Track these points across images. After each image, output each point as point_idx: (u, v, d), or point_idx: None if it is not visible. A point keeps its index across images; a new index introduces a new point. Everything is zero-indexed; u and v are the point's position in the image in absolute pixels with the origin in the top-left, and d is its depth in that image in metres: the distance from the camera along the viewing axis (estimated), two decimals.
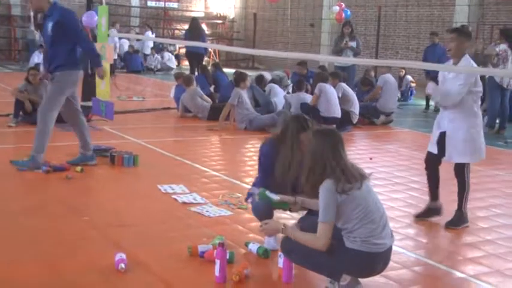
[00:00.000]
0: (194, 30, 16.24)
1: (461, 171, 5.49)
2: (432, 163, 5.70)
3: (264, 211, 4.55)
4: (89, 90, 9.96)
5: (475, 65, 5.62)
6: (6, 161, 7.11)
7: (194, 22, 16.78)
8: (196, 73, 15.29)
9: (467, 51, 5.47)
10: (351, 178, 3.75)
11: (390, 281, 4.20)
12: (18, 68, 20.58)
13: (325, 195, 3.72)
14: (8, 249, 4.53)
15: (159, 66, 23.43)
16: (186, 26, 28.29)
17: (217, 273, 4.02)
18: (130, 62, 22.26)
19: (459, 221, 5.48)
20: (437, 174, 5.70)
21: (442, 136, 5.52)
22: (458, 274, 4.46)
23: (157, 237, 4.89)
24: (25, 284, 3.94)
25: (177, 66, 24.64)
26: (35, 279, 4.01)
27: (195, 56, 16.10)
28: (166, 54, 24.17)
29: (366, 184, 3.84)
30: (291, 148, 4.56)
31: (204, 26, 29.43)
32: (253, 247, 4.60)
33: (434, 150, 5.62)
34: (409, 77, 16.27)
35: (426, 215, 5.68)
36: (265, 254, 4.50)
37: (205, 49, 18.28)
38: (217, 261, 4.01)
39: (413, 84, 16.33)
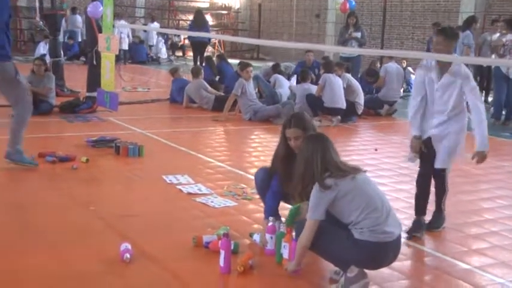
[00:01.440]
0: (198, 21, 16.96)
1: (442, 175, 5.05)
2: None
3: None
4: (94, 81, 9.95)
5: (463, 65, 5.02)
6: None
7: (198, 13, 17.63)
8: (198, 62, 16.07)
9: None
10: (340, 173, 3.81)
11: (395, 272, 4.20)
12: (23, 59, 20.57)
13: (313, 195, 3.82)
14: (15, 240, 4.54)
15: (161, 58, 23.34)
16: (191, 17, 28.38)
17: (222, 263, 4.02)
18: (136, 53, 22.24)
19: (440, 221, 5.17)
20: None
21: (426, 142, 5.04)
22: (464, 265, 4.46)
23: (162, 228, 4.90)
24: (32, 273, 3.96)
25: (177, 57, 24.52)
26: (42, 269, 4.03)
27: (198, 45, 17.01)
28: (159, 43, 24.01)
29: (362, 175, 3.90)
30: (279, 143, 4.57)
31: (208, 17, 29.58)
32: (258, 237, 4.60)
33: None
34: (409, 69, 16.18)
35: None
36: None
37: (209, 38, 19.66)
38: (222, 252, 4.02)
39: (413, 76, 16.22)
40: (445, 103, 4.91)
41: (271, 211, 4.63)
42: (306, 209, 4.07)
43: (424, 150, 5.01)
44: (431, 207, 5.16)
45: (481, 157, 4.82)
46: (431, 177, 5.10)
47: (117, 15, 21.86)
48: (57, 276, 3.94)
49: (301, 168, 3.90)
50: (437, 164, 4.97)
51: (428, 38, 16.38)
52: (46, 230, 4.78)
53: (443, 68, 4.89)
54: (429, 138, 5.00)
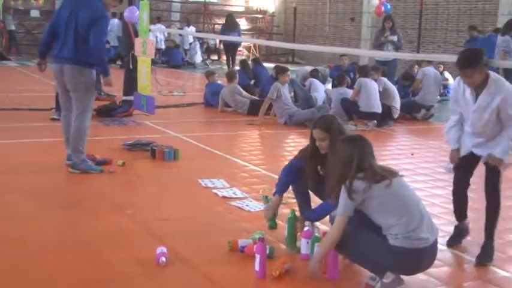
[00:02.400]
0: (229, 24, 18.53)
1: (495, 182, 4.54)
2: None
3: None
4: (130, 85, 10.05)
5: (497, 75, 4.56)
6: (48, 155, 7.24)
7: (229, 17, 19.32)
8: (231, 63, 17.85)
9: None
10: (374, 177, 3.78)
11: (432, 278, 4.14)
12: None
13: (342, 194, 3.83)
14: (52, 241, 4.61)
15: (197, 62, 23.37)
16: None
17: (257, 268, 4.02)
18: (171, 57, 22.39)
19: (492, 252, 4.57)
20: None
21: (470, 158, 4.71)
22: (502, 273, 4.38)
23: (198, 232, 4.92)
24: (68, 274, 4.01)
25: (212, 60, 24.61)
26: (78, 270, 4.08)
27: (230, 47, 19.10)
28: (196, 46, 24.00)
29: (398, 180, 3.86)
30: (309, 142, 4.60)
31: (243, 21, 29.70)
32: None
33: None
34: (446, 73, 15.95)
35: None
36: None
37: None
38: (257, 256, 4.01)
39: (448, 82, 15.92)
40: (484, 126, 4.51)
41: (283, 186, 4.71)
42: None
43: (463, 163, 4.75)
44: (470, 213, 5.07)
45: (496, 162, 4.46)
46: (467, 186, 4.80)
47: (157, 20, 22.18)
48: (94, 279, 3.98)
49: (338, 170, 3.88)
50: (497, 153, 4.47)
51: (465, 41, 16.17)
52: (82, 232, 4.83)
53: (478, 88, 4.46)
54: (471, 153, 4.69)
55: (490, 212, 4.57)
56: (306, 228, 4.44)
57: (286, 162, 4.91)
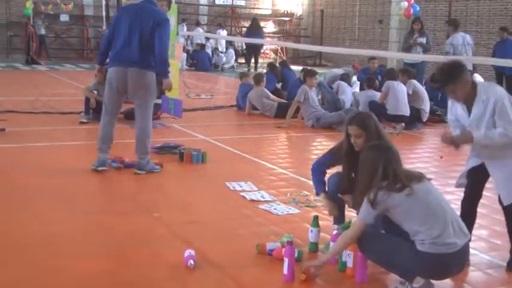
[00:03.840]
0: (253, 28, 20.91)
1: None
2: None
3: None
4: (158, 88, 10.08)
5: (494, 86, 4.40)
6: (77, 158, 7.30)
7: (254, 20, 21.91)
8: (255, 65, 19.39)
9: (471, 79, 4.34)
10: (396, 186, 3.75)
11: (463, 283, 4.10)
12: (90, 66, 21.10)
13: (364, 202, 3.81)
14: (79, 243, 4.65)
15: (226, 66, 23.40)
16: None
17: (285, 271, 4.01)
18: (198, 60, 22.43)
19: None
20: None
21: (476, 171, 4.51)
22: None
23: (226, 235, 4.92)
24: (96, 277, 4.04)
25: (239, 63, 24.67)
26: (106, 273, 4.11)
27: (252, 49, 21.90)
28: (230, 51, 24.09)
29: (423, 185, 3.81)
30: (344, 138, 4.59)
31: (270, 24, 29.71)
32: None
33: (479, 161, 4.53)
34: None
35: None
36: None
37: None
38: (286, 260, 4.00)
39: None
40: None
41: (319, 184, 4.74)
42: None
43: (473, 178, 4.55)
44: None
45: (465, 136, 4.32)
46: (476, 203, 4.61)
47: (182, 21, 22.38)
48: (124, 282, 4.01)
49: (364, 181, 3.86)
50: (505, 201, 4.37)
51: (495, 42, 15.96)
52: (112, 235, 4.87)
53: (468, 100, 4.28)
54: (481, 165, 4.47)
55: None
56: (334, 232, 4.42)
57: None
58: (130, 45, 6.52)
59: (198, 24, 24.66)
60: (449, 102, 4.51)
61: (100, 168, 6.68)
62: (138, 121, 6.72)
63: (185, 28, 23.89)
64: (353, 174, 4.53)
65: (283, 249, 4.11)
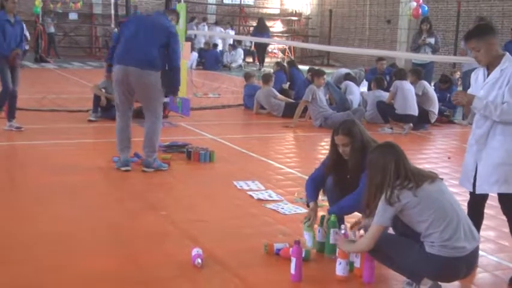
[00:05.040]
0: (259, 27, 21.69)
1: (508, 205, 4.26)
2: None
3: None
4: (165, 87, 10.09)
5: None
6: (86, 156, 7.32)
7: (260, 20, 22.92)
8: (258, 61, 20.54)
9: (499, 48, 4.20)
10: (410, 184, 3.72)
11: (471, 284, 4.09)
12: (98, 64, 21.15)
13: (381, 203, 3.77)
14: (88, 242, 4.66)
15: (233, 65, 23.40)
16: None
17: (293, 271, 4.01)
18: (206, 59, 22.43)
19: None
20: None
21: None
22: None
23: (233, 234, 4.92)
24: (107, 275, 4.05)
25: (247, 63, 24.67)
26: (114, 270, 4.12)
27: (258, 48, 23.25)
28: (239, 50, 24.09)
29: (436, 186, 3.77)
30: (330, 149, 4.69)
31: (279, 23, 29.71)
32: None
33: (470, 187, 4.37)
34: None
35: None
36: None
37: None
38: (293, 259, 4.00)
39: None
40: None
41: (311, 195, 4.72)
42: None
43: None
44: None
45: (468, 98, 4.17)
46: (483, 204, 4.46)
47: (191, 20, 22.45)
48: (132, 280, 4.01)
49: (377, 180, 3.81)
50: (478, 189, 4.26)
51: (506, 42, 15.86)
52: (120, 233, 4.89)
53: (491, 65, 4.19)
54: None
55: None
56: (342, 231, 4.41)
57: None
58: (137, 46, 6.54)
59: (217, 23, 24.69)
60: (473, 76, 4.40)
61: (123, 168, 6.73)
62: (151, 121, 6.76)
63: (206, 28, 23.98)
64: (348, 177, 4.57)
65: (291, 249, 4.11)
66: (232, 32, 24.71)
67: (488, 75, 4.22)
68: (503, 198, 4.24)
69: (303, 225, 4.61)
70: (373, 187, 3.83)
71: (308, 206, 4.72)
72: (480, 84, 4.26)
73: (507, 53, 4.22)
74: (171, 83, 6.78)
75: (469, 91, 4.40)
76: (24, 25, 8.96)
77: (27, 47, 9.46)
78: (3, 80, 8.50)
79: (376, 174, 3.82)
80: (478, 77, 4.33)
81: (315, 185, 4.75)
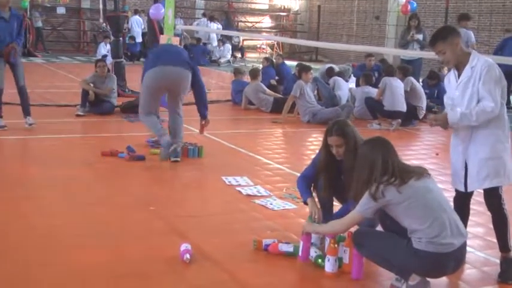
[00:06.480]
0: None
1: (494, 200, 4.26)
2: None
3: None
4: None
5: (489, 58, 4.29)
6: (75, 150, 7.29)
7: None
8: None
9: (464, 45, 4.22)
10: (397, 181, 3.73)
11: (459, 281, 4.11)
12: (86, 59, 21.06)
13: (365, 196, 3.79)
14: (76, 236, 4.64)
15: (222, 61, 23.34)
16: (251, 19, 28.59)
17: (300, 253, 4.22)
18: (194, 54, 22.36)
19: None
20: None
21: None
22: None
23: (222, 229, 4.92)
24: (95, 269, 4.04)
25: (236, 58, 24.63)
26: (102, 265, 4.11)
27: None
28: (227, 46, 24.03)
29: (423, 182, 3.79)
30: (321, 149, 4.64)
31: (267, 19, 29.69)
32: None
33: (462, 187, 4.35)
34: None
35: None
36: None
37: None
38: (301, 243, 4.24)
39: None
40: (467, 105, 4.19)
41: (305, 192, 4.67)
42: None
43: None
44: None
45: (442, 119, 4.28)
46: (469, 199, 4.48)
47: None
48: (120, 274, 4.01)
49: (364, 175, 3.83)
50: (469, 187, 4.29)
51: (501, 40, 15.86)
52: (105, 228, 4.87)
53: (459, 65, 4.22)
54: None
55: (498, 225, 4.31)
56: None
57: (308, 162, 4.88)
58: (175, 56, 7.30)
59: (211, 19, 24.56)
60: (445, 80, 4.48)
61: (173, 159, 6.99)
62: (178, 114, 7.43)
63: (214, 24, 23.89)
64: (340, 179, 4.57)
65: (302, 236, 4.24)
66: (219, 27, 24.57)
67: (459, 75, 4.26)
68: (489, 192, 4.26)
69: (306, 221, 4.53)
70: (360, 182, 3.85)
71: (305, 203, 4.67)
72: (454, 86, 4.29)
73: (473, 51, 4.28)
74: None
75: (445, 96, 4.46)
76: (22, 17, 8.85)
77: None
78: None
79: (364, 169, 3.84)
80: (450, 79, 4.38)
81: (307, 183, 4.72)
